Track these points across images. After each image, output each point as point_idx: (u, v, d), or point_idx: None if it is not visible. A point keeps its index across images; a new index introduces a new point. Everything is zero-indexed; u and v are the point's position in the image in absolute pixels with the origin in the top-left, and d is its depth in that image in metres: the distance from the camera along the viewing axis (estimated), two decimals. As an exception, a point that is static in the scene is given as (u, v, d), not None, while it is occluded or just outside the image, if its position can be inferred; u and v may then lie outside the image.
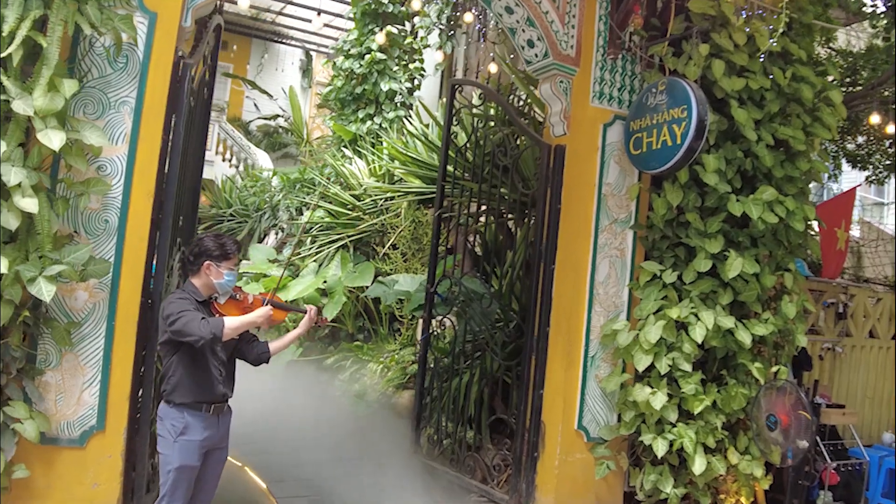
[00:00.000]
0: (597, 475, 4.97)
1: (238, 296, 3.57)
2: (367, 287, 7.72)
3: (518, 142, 5.95)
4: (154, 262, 4.04)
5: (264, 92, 17.33)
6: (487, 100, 6.27)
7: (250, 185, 12.18)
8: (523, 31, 5.17)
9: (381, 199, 8.25)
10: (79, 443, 3.74)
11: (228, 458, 3.67)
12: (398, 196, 7.82)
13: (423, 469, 5.70)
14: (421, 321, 6.45)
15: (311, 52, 18.94)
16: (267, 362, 3.64)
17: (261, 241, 12.17)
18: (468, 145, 6.17)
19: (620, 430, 4.99)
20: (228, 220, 13.29)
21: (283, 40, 18.47)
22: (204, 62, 4.96)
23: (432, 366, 6.12)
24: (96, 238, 3.81)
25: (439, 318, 6.12)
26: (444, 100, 7.20)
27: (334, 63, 11.45)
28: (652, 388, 4.82)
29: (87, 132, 3.47)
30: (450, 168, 6.27)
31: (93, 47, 3.83)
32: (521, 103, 6.55)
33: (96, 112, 3.83)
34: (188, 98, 4.54)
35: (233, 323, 3.31)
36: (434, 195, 6.60)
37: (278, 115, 17.64)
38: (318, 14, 12.46)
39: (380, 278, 7.49)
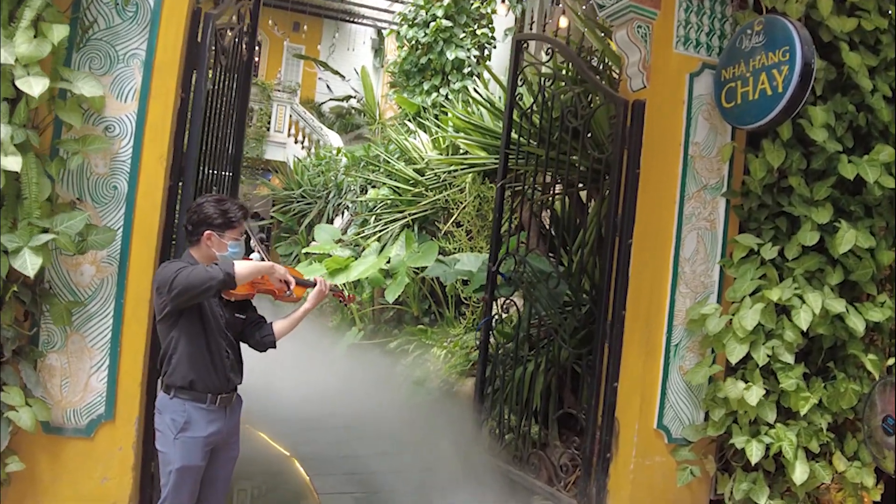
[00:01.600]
0: (678, 482, 4.27)
1: None
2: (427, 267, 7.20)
3: (591, 102, 5.26)
4: (174, 236, 3.64)
5: (336, 72, 17.08)
6: (556, 55, 5.59)
7: (315, 164, 11.86)
8: (594, -31, 4.48)
9: (444, 173, 7.69)
10: (86, 433, 3.37)
11: (275, 445, 3.20)
12: (461, 169, 7.24)
13: (482, 466, 5.13)
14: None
15: (383, 31, 18.54)
16: (273, 347, 3.14)
17: (330, 221, 11.89)
18: (534, 108, 5.52)
19: (708, 430, 4.27)
20: (298, 202, 13.10)
21: (355, 19, 18.12)
22: (240, 19, 4.53)
23: (495, 353, 5.54)
24: (104, 206, 3.42)
25: (502, 300, 5.52)
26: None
27: (398, 33, 10.94)
28: (746, 382, 4.08)
29: (80, 82, 3.05)
30: (515, 136, 5.63)
31: (99, -7, 3.41)
32: (595, 61, 5.82)
33: (103, 66, 3.43)
34: (218, 56, 4.13)
35: (240, 265, 2.82)
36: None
37: (350, 97, 17.37)
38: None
39: (440, 257, 6.95)
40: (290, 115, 16.29)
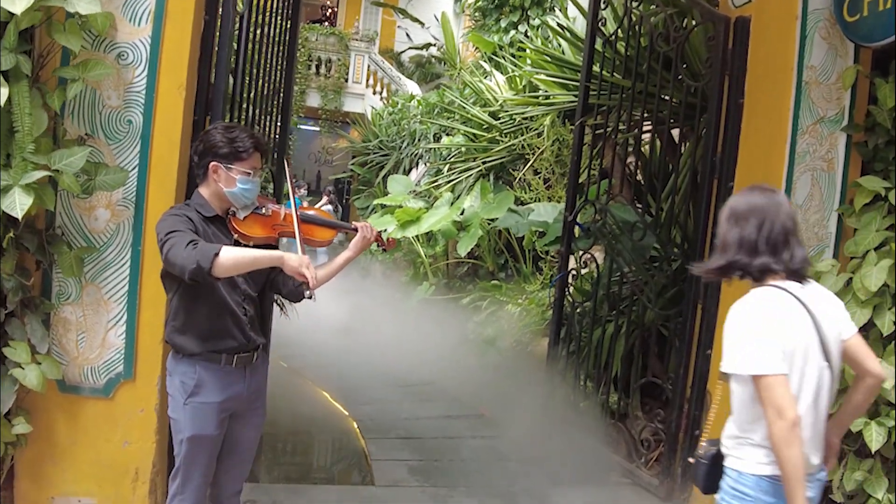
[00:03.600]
0: (780, 466, 3.64)
1: (265, 210, 2.64)
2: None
3: (685, 24, 4.53)
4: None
5: (416, 20, 16.47)
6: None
7: (388, 112, 11.40)
8: None
9: (519, 115, 7.06)
10: (104, 393, 3.07)
11: (334, 401, 2.78)
12: (538, 109, 6.58)
13: (553, 436, 4.63)
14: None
15: (465, -27, 17.72)
16: (310, 298, 2.66)
17: (407, 172, 11.48)
18: (619, 34, 4.81)
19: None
20: (374, 153, 12.76)
21: (436, -40, 17.36)
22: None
23: (571, 312, 4.98)
24: (118, 143, 3.05)
25: (581, 253, 4.93)
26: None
27: (472, -33, 10.22)
28: (868, 353, 3.38)
29: (75, -1, 2.63)
30: (597, 69, 4.95)
31: None
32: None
33: (112, -18, 3.02)
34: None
35: (231, 256, 2.30)
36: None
37: (430, 45, 16.74)
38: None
39: (512, 207, 6.37)
40: (369, 66, 15.87)
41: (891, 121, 3.58)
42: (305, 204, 4.83)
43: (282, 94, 4.40)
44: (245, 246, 2.56)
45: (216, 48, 3.31)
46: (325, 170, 18.22)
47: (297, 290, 2.66)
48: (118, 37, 3.04)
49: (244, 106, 3.85)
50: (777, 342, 1.98)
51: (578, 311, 4.95)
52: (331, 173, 17.24)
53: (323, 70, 15.71)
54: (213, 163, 2.49)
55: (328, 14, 20.14)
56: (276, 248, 2.71)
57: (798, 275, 2.09)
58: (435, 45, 16.77)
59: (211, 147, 2.49)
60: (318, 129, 17.04)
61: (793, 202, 3.69)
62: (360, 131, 14.47)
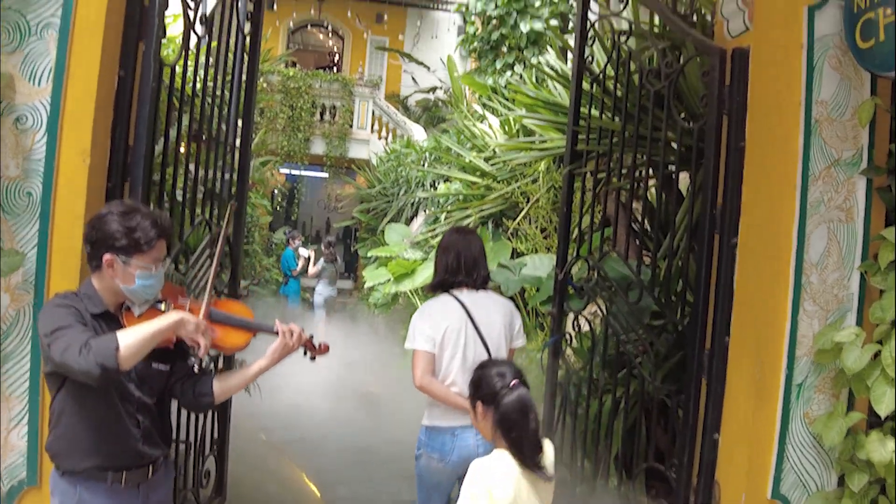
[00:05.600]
0: (806, 572, 3.08)
1: (166, 306, 2.21)
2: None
3: (679, 57, 4.09)
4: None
5: (421, 63, 16.30)
6: (631, 2, 4.45)
7: (386, 159, 11.08)
8: None
9: (513, 161, 6.63)
10: (6, 502, 2.64)
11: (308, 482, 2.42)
12: (530, 154, 6.16)
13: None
14: (570, 316, 4.77)
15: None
16: (210, 407, 2.24)
17: (409, 219, 11.11)
18: (608, 71, 4.39)
19: (844, 501, 3.04)
20: (377, 200, 12.43)
21: (438, 6, 17.27)
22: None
23: (566, 380, 4.46)
24: (16, 218, 2.67)
25: (574, 314, 4.44)
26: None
27: (466, 7, 9.92)
28: (903, 438, 2.84)
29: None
30: (584, 110, 4.53)
31: (4, -53, 2.65)
32: (684, 9, 4.61)
33: (12, 41, 2.67)
34: (192, 26, 3.31)
35: (131, 338, 1.94)
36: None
37: (436, 88, 16.54)
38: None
39: (502, 261, 5.89)
40: (374, 111, 15.66)
41: (917, 161, 3.11)
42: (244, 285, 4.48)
43: (238, 148, 4.02)
44: None
45: (135, 105, 2.94)
46: (334, 216, 17.97)
47: (198, 400, 2.24)
48: (17, 99, 2.69)
49: (183, 168, 3.47)
50: (425, 329, 3.02)
51: (574, 379, 4.43)
52: (339, 220, 16.97)
53: (327, 116, 15.51)
54: (107, 255, 2.09)
55: (335, 60, 20.09)
56: (185, 351, 2.31)
57: (481, 286, 3.14)
58: (441, 87, 16.56)
59: (106, 237, 2.11)
60: (325, 175, 16.83)
61: (806, 259, 3.19)
62: (366, 177, 14.21)
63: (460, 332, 3.02)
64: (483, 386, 2.33)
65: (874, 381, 2.84)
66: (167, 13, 3.03)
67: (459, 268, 3.08)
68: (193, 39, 3.33)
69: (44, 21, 2.68)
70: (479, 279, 3.11)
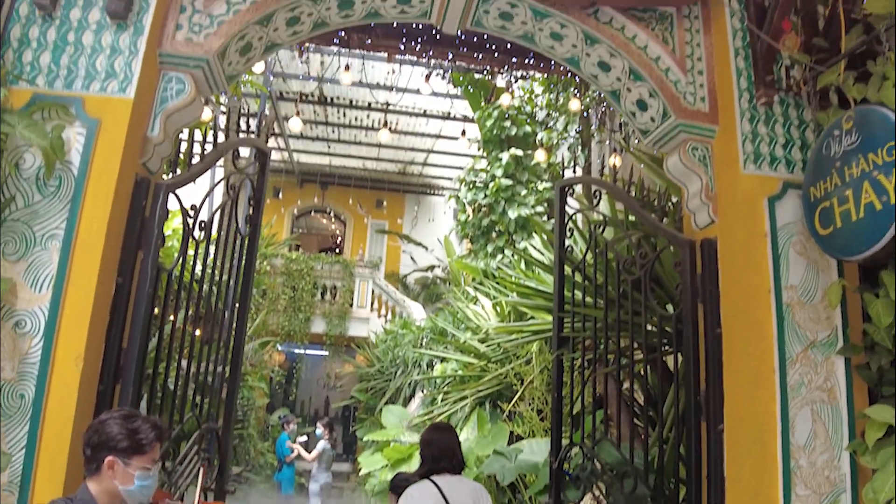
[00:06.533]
0: None
1: None
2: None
3: (656, 247, 4.30)
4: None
5: (419, 244, 16.92)
6: (607, 198, 4.75)
7: (382, 339, 11.18)
8: (628, 89, 3.71)
9: (506, 342, 6.72)
10: None
11: None
12: (522, 337, 6.26)
13: None
14: None
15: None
16: None
17: (407, 399, 10.99)
18: (587, 260, 4.59)
19: None
20: (375, 379, 12.36)
21: (434, 191, 18.24)
22: (230, 192, 3.96)
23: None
24: (8, 419, 2.71)
25: (571, 504, 4.30)
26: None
27: (457, 197, 10.49)
28: None
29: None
30: (573, 294, 4.68)
31: (19, 169, 2.92)
32: (655, 198, 4.91)
33: (18, 251, 2.86)
34: (191, 233, 3.51)
35: None
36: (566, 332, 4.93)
37: (434, 266, 17.03)
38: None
39: (498, 448, 5.77)
40: (373, 290, 16.02)
41: (891, 339, 3.17)
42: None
43: (231, 346, 4.10)
44: None
45: (131, 309, 3.07)
46: (333, 395, 17.77)
47: None
48: (18, 304, 2.82)
49: (177, 364, 3.54)
50: None
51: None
52: (338, 398, 16.76)
53: (328, 296, 15.85)
54: (109, 457, 2.16)
55: (337, 242, 20.86)
56: None
57: (457, 471, 3.65)
58: (439, 266, 17.05)
59: (108, 440, 2.21)
60: (325, 353, 16.87)
61: (793, 443, 3.17)
62: (365, 356, 14.23)
63: None
64: None
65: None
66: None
67: (441, 457, 3.61)
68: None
69: (49, 233, 2.88)
70: (456, 464, 3.67)
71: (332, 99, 12.26)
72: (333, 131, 15.34)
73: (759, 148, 3.50)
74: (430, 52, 5.05)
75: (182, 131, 3.50)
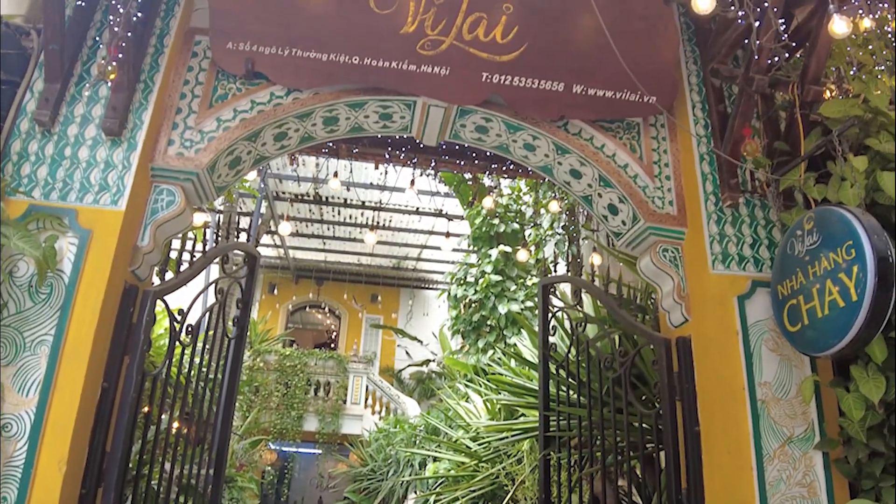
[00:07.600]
0: None
1: None
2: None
3: (635, 345, 4.39)
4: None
5: (414, 338, 16.91)
6: (587, 296, 4.87)
7: (374, 438, 11.02)
8: (599, 195, 3.91)
9: (497, 441, 6.66)
10: None
11: None
12: (511, 435, 6.23)
13: None
14: None
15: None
16: None
17: (401, 500, 10.72)
18: (570, 357, 4.67)
19: None
20: (368, 479, 12.09)
21: (429, 285, 18.39)
22: (217, 296, 4.07)
23: None
24: (-13, 526, 2.71)
25: None
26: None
27: (448, 293, 10.61)
28: None
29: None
30: (554, 391, 4.73)
31: (12, 276, 3.04)
32: (637, 294, 5.03)
33: (7, 356, 2.96)
34: (177, 337, 3.60)
35: None
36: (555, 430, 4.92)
37: (429, 360, 16.95)
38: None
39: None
40: (367, 386, 15.87)
41: (865, 433, 3.22)
42: None
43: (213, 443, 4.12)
44: None
45: (115, 413, 3.12)
46: (327, 496, 17.28)
47: None
48: (4, 408, 2.89)
49: (160, 466, 3.56)
50: None
51: None
52: (331, 499, 16.29)
53: (321, 393, 15.68)
54: None
55: (332, 337, 20.82)
56: None
57: None
58: (434, 360, 16.97)
59: None
60: (318, 451, 16.53)
61: (777, 544, 3.17)
62: (359, 454, 13.94)
63: None
64: None
65: None
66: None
67: None
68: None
69: (39, 338, 2.98)
70: None
71: (326, 198, 12.58)
72: (328, 229, 15.64)
73: (726, 248, 3.65)
74: (415, 160, 5.31)
75: (172, 239, 3.65)
